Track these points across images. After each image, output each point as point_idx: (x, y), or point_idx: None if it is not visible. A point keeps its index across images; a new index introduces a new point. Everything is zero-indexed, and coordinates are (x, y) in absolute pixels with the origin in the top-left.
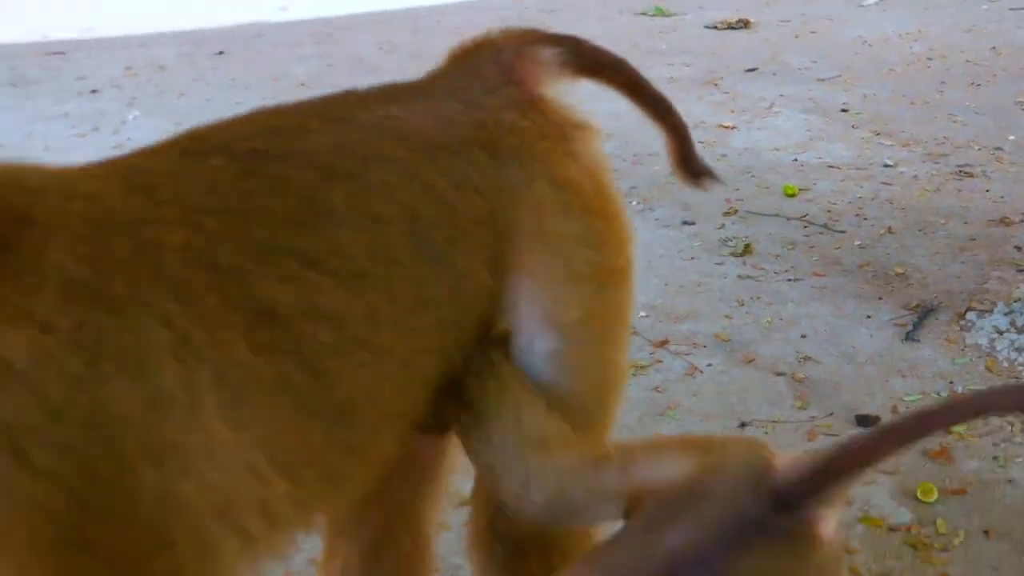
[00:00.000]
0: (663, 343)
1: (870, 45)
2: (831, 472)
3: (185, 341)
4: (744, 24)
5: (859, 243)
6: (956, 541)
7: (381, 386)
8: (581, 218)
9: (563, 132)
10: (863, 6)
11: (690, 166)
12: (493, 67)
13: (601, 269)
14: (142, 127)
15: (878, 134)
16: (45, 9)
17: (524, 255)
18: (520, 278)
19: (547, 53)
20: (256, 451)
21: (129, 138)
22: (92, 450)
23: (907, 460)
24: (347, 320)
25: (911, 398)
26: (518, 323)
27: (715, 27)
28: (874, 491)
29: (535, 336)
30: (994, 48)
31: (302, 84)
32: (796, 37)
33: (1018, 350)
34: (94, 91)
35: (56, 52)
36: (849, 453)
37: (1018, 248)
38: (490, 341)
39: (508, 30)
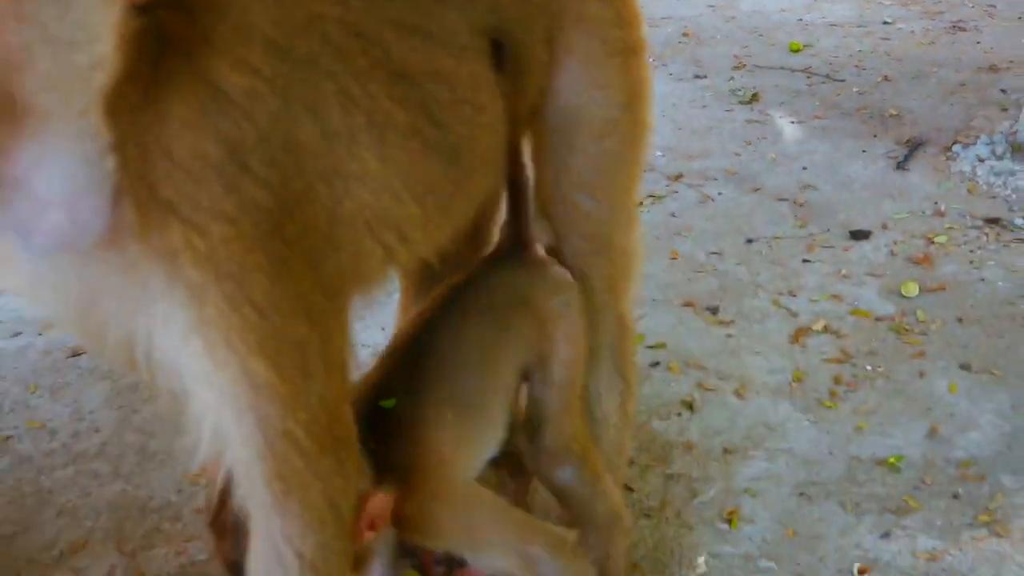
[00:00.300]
0: (678, 177)
1: None
2: None
3: (345, 92)
4: None
5: (857, 90)
6: (933, 327)
7: (479, 135)
8: (610, 3)
9: None
10: None
11: None
12: None
13: (628, 44)
14: None
15: None
16: None
17: (571, 35)
18: (568, 55)
19: None
20: (395, 179)
21: None
22: (288, 167)
23: (892, 264)
24: (456, 82)
25: (899, 216)
26: (567, 89)
27: None
28: (862, 290)
29: (581, 99)
30: None
31: None
32: None
33: (996, 175)
34: None
35: None
36: None
37: (1003, 91)
38: None
39: None
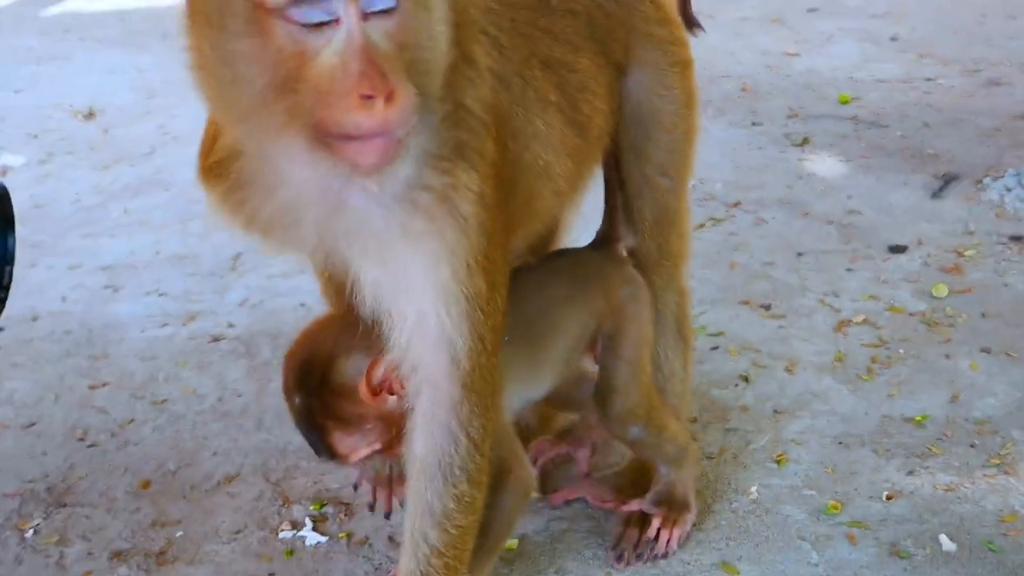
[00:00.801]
0: (736, 204)
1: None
2: None
3: (520, 73)
4: None
5: (900, 134)
6: (959, 320)
7: (595, 117)
8: (668, 27)
9: None
10: None
11: (687, 17)
12: None
13: (681, 59)
14: None
15: (922, 56)
16: None
17: (639, 50)
18: (638, 65)
19: None
20: (554, 140)
21: None
22: (504, 133)
23: (925, 272)
24: (580, 72)
25: (933, 234)
26: (639, 90)
27: None
28: (898, 292)
29: (652, 99)
30: None
31: None
32: None
33: (1022, 201)
34: None
35: None
36: None
37: None
38: None
39: None
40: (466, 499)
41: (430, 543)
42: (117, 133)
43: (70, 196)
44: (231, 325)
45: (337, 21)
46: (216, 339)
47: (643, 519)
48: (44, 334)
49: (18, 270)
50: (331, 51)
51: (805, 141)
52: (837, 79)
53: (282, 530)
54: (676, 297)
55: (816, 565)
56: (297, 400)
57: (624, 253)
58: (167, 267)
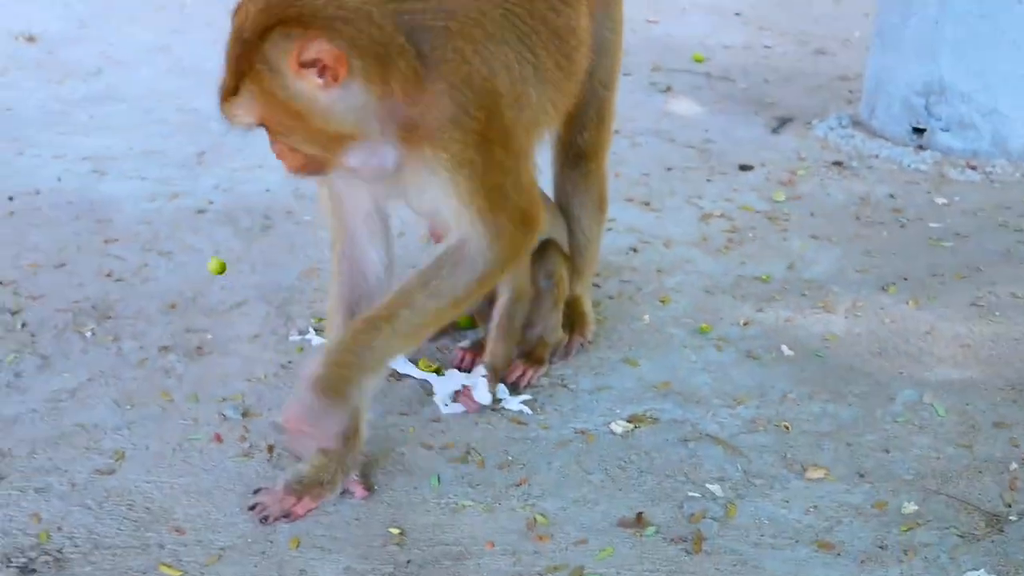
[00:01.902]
0: (615, 132)
1: None
2: None
3: (520, 54)
4: None
5: (744, 87)
6: (793, 216)
7: (582, 61)
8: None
9: None
10: None
11: None
12: None
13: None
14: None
15: (761, 29)
16: None
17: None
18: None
19: None
20: (546, 99)
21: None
22: (491, 106)
23: (767, 185)
24: (578, 30)
25: (773, 159)
26: (599, 29)
27: None
28: (747, 197)
29: (601, 30)
30: None
31: None
32: None
33: (841, 138)
34: None
35: None
36: None
37: (850, 91)
38: None
39: None
40: (454, 298)
41: (414, 302)
42: (61, 55)
43: (34, 103)
44: (210, 202)
45: None
46: (200, 212)
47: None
48: (50, 204)
49: (7, 156)
50: None
51: (668, 89)
52: (691, 43)
53: (291, 336)
54: (601, 176)
55: (695, 362)
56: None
57: None
58: (141, 159)
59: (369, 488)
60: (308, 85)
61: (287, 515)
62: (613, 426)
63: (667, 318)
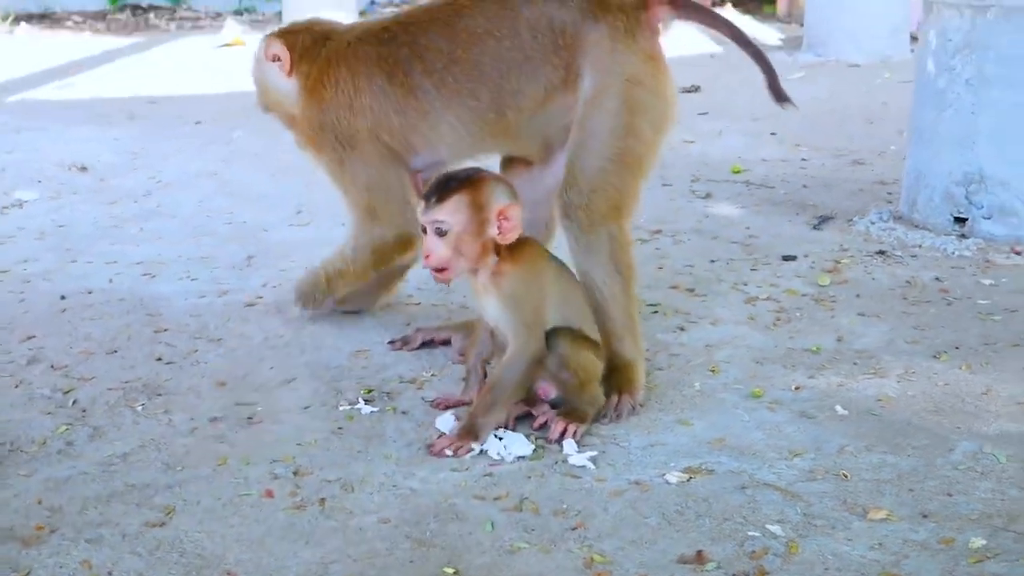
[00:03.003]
0: (657, 231)
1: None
2: None
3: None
4: (695, 89)
5: (784, 192)
6: (840, 298)
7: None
8: (631, 52)
9: (623, 21)
10: (789, 79)
11: (776, 92)
12: None
13: (633, 76)
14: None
15: (797, 146)
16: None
17: (593, 58)
18: (589, 66)
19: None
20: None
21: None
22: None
23: (812, 272)
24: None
25: (816, 250)
26: (584, 86)
27: None
28: (792, 282)
29: (592, 96)
30: (884, 103)
31: None
32: (736, 96)
33: (883, 231)
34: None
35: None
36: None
37: (888, 194)
38: None
39: None
40: None
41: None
42: (112, 182)
43: (87, 221)
44: (260, 297)
45: None
46: (250, 305)
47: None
48: (101, 301)
49: (59, 264)
50: None
51: (708, 195)
52: (728, 159)
53: (340, 406)
54: (608, 236)
55: (747, 422)
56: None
57: None
58: (191, 264)
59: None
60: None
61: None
62: (668, 477)
63: (718, 385)
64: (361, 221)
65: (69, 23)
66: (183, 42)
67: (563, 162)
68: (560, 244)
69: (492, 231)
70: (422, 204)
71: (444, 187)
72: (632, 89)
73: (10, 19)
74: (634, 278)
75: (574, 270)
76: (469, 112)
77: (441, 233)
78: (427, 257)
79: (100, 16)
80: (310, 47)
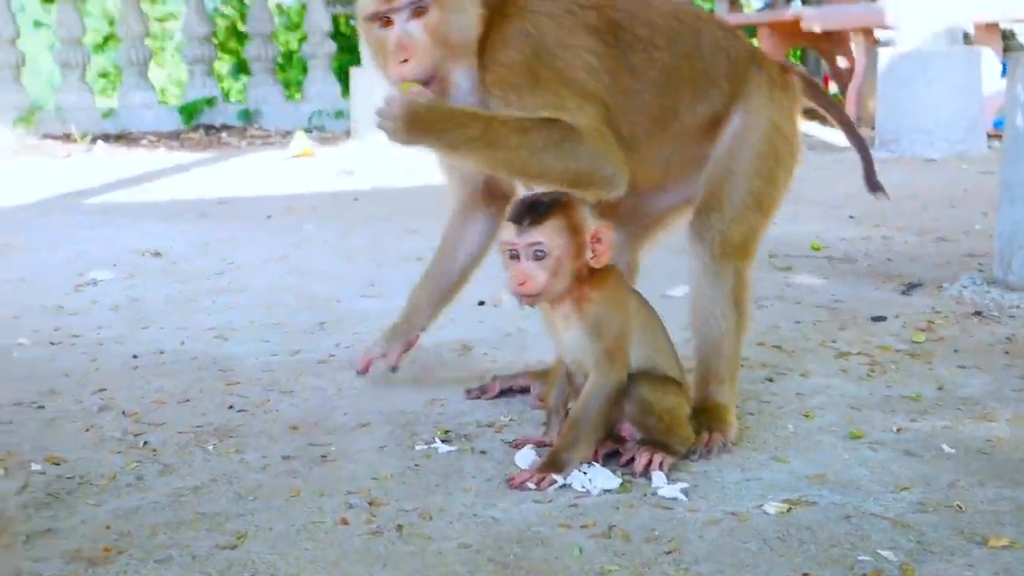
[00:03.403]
0: None
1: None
2: None
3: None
4: None
5: (867, 265)
6: (936, 353)
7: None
8: (777, 108)
9: (783, 78)
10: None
11: (871, 182)
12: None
13: (777, 124)
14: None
15: (878, 226)
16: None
17: (748, 99)
18: (743, 107)
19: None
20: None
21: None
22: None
23: (904, 331)
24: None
25: (907, 310)
26: (734, 123)
27: None
28: (884, 340)
29: (742, 133)
30: (965, 190)
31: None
32: (809, 188)
33: (976, 295)
34: (268, 216)
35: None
36: None
37: (979, 264)
38: None
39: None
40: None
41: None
42: (185, 265)
43: (160, 296)
44: (332, 355)
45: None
46: (322, 362)
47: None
48: (173, 360)
49: (131, 330)
50: (390, 38)
51: (788, 268)
52: (807, 238)
53: (417, 446)
54: (735, 270)
55: (848, 459)
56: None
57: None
58: (263, 329)
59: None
60: None
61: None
62: (766, 507)
63: (813, 428)
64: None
65: (144, 142)
66: (254, 155)
67: (660, 198)
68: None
69: (588, 254)
70: (510, 227)
71: (537, 209)
72: (778, 138)
73: (89, 138)
74: (749, 324)
75: (693, 302)
76: (635, 107)
77: (539, 257)
78: (522, 283)
79: (175, 135)
80: None
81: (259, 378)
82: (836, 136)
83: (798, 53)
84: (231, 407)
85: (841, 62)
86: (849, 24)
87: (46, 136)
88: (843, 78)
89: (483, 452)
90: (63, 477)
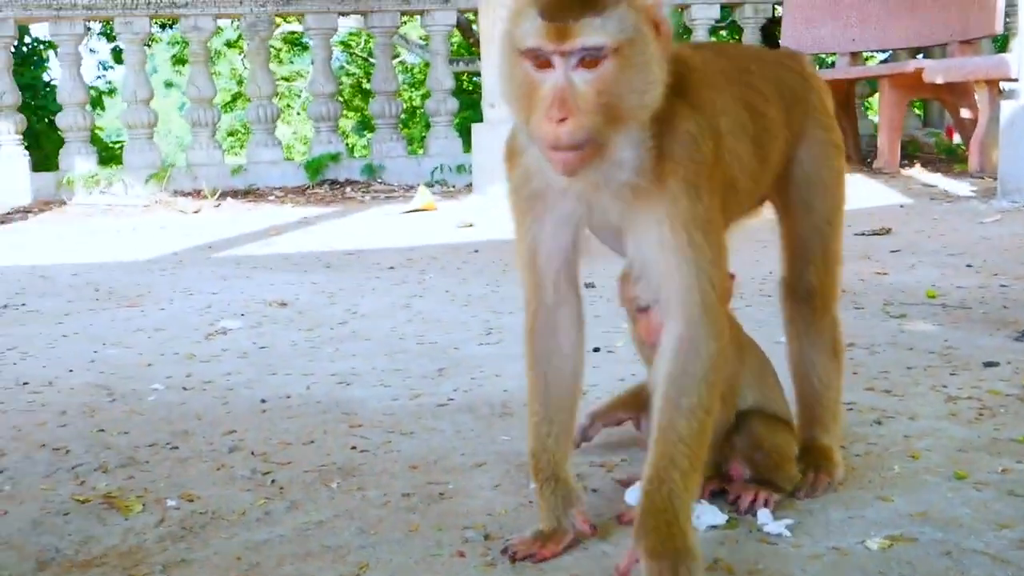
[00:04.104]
0: (851, 344)
1: (987, 239)
2: None
3: (734, 113)
4: (887, 231)
5: (983, 312)
6: None
7: (773, 155)
8: (829, 118)
9: (817, 75)
10: (983, 222)
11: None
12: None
13: (837, 144)
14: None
15: (995, 275)
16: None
17: (809, 127)
18: (805, 140)
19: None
20: (746, 162)
21: (428, 287)
22: (716, 143)
23: (1017, 375)
24: (768, 117)
25: (1021, 358)
26: (807, 160)
27: (863, 234)
28: (995, 384)
29: (815, 164)
30: None
31: None
32: (928, 237)
33: None
34: (391, 267)
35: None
36: None
37: None
38: None
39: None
40: (704, 401)
41: (678, 432)
42: (310, 314)
43: (286, 343)
44: (450, 399)
45: (553, 67)
46: (441, 405)
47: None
48: (299, 403)
49: (259, 376)
50: (545, 86)
51: (903, 315)
52: (922, 286)
53: (531, 484)
54: (832, 321)
55: (952, 498)
56: None
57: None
58: (384, 374)
59: (593, 525)
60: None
61: (532, 555)
62: (868, 543)
63: (919, 468)
64: (708, 311)
65: (271, 197)
66: (377, 209)
67: None
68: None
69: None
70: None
71: None
72: (839, 156)
73: (218, 194)
74: (844, 361)
75: (793, 358)
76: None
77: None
78: (652, 335)
79: (300, 191)
80: None
81: (380, 421)
82: (956, 186)
83: (920, 105)
84: (354, 448)
85: (965, 113)
86: (973, 76)
87: (177, 192)
88: (967, 129)
89: (595, 490)
90: (196, 512)
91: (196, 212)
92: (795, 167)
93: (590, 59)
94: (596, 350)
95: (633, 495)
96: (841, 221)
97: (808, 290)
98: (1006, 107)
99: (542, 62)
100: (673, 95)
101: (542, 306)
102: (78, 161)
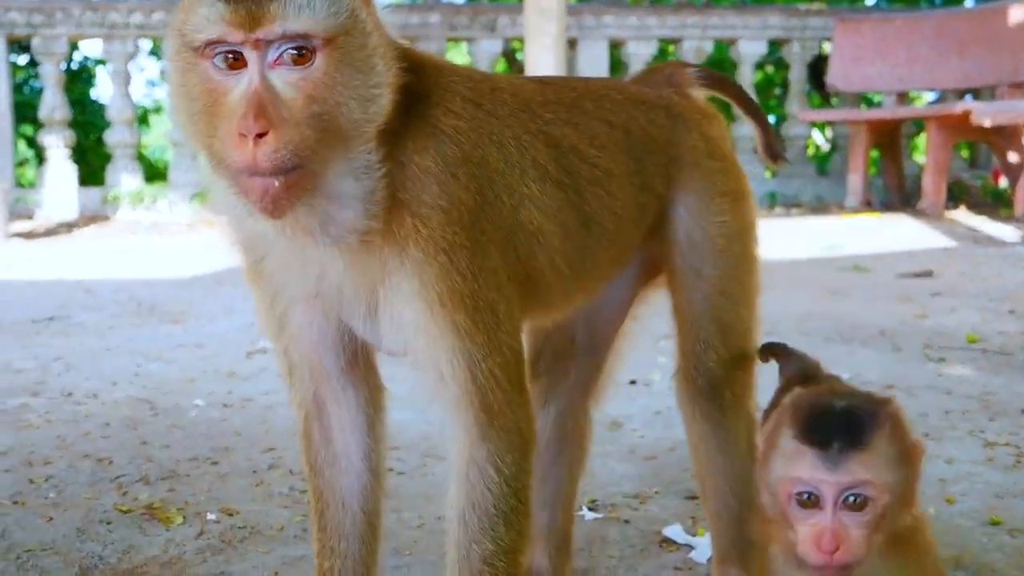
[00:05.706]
0: (890, 386)
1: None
2: None
3: (518, 139)
4: (928, 274)
5: (1022, 359)
6: None
7: (608, 217)
8: (718, 160)
9: (705, 111)
10: None
11: (771, 150)
12: (662, 77)
13: (731, 189)
14: None
15: None
16: None
17: (684, 178)
18: (682, 192)
19: (691, 73)
20: (551, 209)
21: None
22: (482, 179)
23: None
24: (599, 167)
25: None
26: (686, 216)
27: (905, 276)
28: None
29: (696, 221)
30: None
31: None
32: (971, 281)
33: None
34: None
35: None
36: None
37: None
38: None
39: (669, 62)
40: (504, 543)
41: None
42: None
43: None
44: None
45: (244, 66)
46: None
47: None
48: None
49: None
50: (235, 91)
51: (941, 359)
52: (963, 330)
53: None
54: (747, 420)
55: (986, 544)
56: None
57: None
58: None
59: None
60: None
61: None
62: None
63: (954, 512)
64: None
65: None
66: None
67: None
68: None
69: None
70: (808, 454)
71: (856, 421)
72: (736, 206)
73: None
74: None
75: (702, 467)
76: (583, 272)
77: (859, 506)
78: (831, 550)
79: None
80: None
81: (417, 444)
82: (1002, 230)
83: (966, 146)
84: (391, 469)
85: (1012, 157)
86: (1021, 119)
87: None
88: (1014, 173)
89: (627, 521)
90: (235, 527)
91: None
92: (673, 225)
93: (295, 54)
94: (632, 383)
95: (674, 531)
96: (749, 288)
97: (711, 381)
98: None
99: (230, 61)
100: (409, 113)
101: (312, 405)
102: (124, 177)
